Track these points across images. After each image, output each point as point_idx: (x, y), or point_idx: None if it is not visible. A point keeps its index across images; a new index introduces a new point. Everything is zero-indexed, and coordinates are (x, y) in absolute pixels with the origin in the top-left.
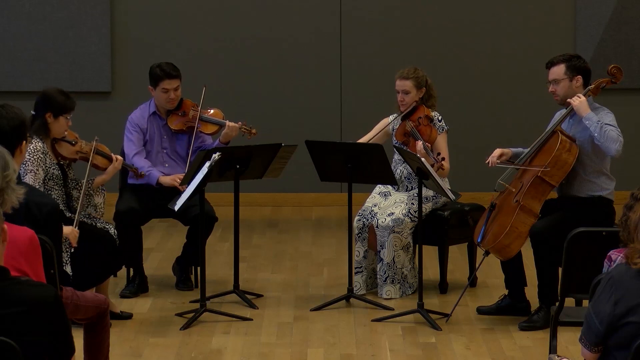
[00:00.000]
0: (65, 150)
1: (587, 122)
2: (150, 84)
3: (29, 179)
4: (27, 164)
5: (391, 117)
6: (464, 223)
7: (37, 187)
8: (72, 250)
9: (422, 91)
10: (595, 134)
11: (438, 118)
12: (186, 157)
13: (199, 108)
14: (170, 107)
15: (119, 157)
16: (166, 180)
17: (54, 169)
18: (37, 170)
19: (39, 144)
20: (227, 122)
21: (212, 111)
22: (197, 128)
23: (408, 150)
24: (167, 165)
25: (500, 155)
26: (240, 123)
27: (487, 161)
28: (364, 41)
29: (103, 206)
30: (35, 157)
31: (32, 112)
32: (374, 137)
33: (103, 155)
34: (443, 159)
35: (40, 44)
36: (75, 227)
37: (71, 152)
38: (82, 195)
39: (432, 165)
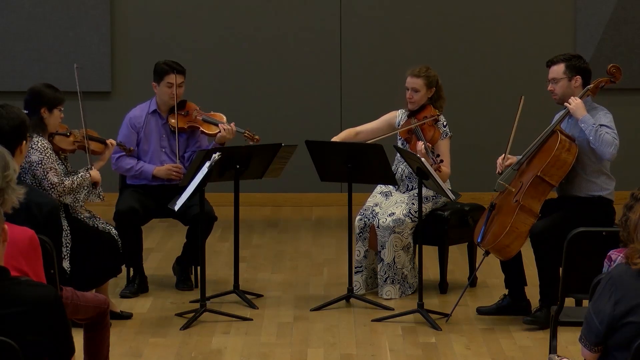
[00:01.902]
0: (64, 143)
1: (582, 125)
2: (154, 80)
3: (51, 176)
4: (43, 163)
5: (399, 112)
6: (464, 223)
7: (62, 181)
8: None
9: (432, 91)
10: (590, 138)
11: (443, 123)
12: (183, 157)
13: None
14: (172, 103)
15: (112, 141)
16: (160, 171)
17: (59, 163)
18: (55, 166)
19: (44, 141)
20: (221, 125)
21: (215, 114)
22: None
23: (408, 150)
24: (165, 164)
25: (504, 159)
26: (232, 124)
27: (497, 171)
28: (364, 41)
29: (101, 190)
30: (48, 154)
31: (25, 111)
32: (377, 127)
33: (97, 140)
34: (442, 161)
35: (40, 44)
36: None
37: (69, 144)
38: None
39: (431, 166)
